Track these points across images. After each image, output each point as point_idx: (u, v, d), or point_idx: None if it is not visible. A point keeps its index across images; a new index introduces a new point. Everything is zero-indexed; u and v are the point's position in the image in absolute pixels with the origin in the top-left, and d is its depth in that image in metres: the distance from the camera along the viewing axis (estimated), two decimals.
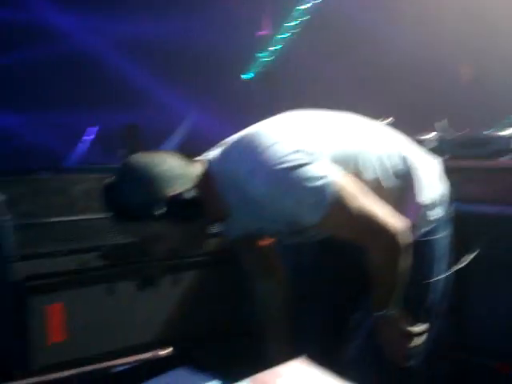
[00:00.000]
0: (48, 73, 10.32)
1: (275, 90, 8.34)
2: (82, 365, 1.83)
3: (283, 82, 8.29)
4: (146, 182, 1.45)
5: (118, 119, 8.30)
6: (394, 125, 2.10)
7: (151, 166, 1.47)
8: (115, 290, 2.60)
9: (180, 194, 1.46)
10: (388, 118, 2.39)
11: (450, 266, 1.84)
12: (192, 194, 1.48)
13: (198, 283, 2.86)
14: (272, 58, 9.46)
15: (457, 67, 6.17)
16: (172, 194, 1.45)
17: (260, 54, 9.57)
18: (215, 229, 1.65)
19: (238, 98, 8.07)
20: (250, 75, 9.64)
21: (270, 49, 9.44)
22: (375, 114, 1.89)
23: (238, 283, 2.93)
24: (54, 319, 2.49)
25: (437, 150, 2.49)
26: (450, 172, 1.87)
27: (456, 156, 2.46)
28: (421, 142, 2.34)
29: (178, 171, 1.49)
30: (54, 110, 10.11)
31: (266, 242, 1.86)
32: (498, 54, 6.04)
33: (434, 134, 2.62)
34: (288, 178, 1.44)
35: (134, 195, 1.45)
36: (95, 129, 10.73)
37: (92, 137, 10.79)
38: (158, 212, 1.44)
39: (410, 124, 2.13)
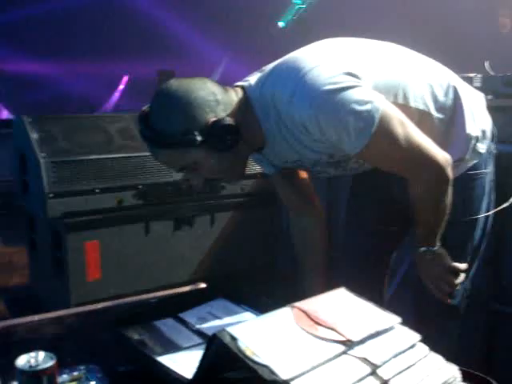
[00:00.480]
0: (82, 22, 10.30)
1: (309, 38, 8.18)
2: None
3: (316, 29, 8.11)
4: (186, 106, 1.39)
5: (152, 67, 8.25)
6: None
7: (191, 91, 1.40)
8: (150, 229, 2.62)
9: (220, 120, 1.40)
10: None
11: (492, 207, 1.79)
12: (232, 120, 1.42)
13: (232, 224, 2.86)
14: (306, 5, 9.24)
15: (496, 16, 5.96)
16: (212, 119, 1.40)
17: (295, 1, 9.36)
18: (253, 170, 1.63)
19: (272, 46, 7.93)
20: (285, 22, 9.46)
21: None
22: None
23: (270, 225, 2.94)
24: (91, 256, 2.53)
25: (482, 89, 2.40)
26: (494, 111, 1.80)
27: (504, 95, 2.37)
28: (466, 80, 2.26)
29: (218, 96, 1.43)
30: (90, 59, 10.14)
31: (303, 176, 1.83)
32: None
33: (477, 74, 2.53)
34: (334, 100, 1.35)
35: (173, 121, 1.39)
36: (129, 77, 10.73)
37: (125, 85, 10.81)
38: (197, 138, 1.38)
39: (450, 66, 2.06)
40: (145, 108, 1.45)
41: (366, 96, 1.37)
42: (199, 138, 1.38)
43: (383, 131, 1.37)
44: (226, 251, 2.82)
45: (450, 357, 1.84)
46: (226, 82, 1.54)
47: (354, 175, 1.84)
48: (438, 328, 1.87)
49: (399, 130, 1.39)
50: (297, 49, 1.59)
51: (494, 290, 2.53)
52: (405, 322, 1.72)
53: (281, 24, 9.63)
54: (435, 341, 1.82)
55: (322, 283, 1.84)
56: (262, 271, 3.00)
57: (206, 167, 1.46)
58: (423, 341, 1.13)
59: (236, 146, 1.44)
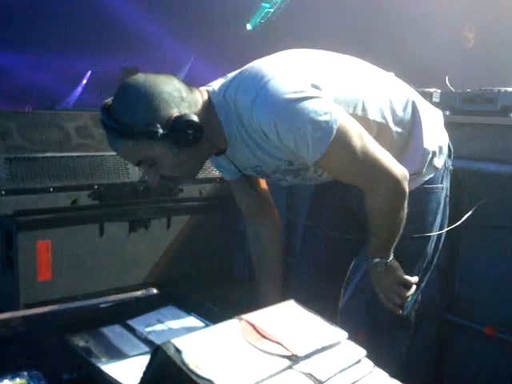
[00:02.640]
0: (47, 14, 10.12)
1: (275, 42, 8.22)
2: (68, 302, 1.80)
3: (283, 33, 8.16)
4: (150, 98, 1.37)
5: (117, 63, 8.16)
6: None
7: (157, 84, 1.40)
8: (105, 231, 2.57)
9: (183, 116, 1.40)
10: (389, 71, 2.33)
11: (446, 222, 1.82)
12: (195, 118, 1.41)
13: (188, 228, 2.84)
14: (275, 9, 9.28)
15: (460, 29, 6.09)
16: (176, 114, 1.39)
17: (264, 4, 9.38)
18: (212, 174, 1.62)
19: (239, 47, 7.93)
20: (253, 25, 9.48)
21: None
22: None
23: (228, 230, 2.93)
24: (43, 256, 2.47)
25: (440, 104, 2.44)
26: (452, 127, 1.83)
27: (461, 111, 2.42)
28: (424, 95, 2.29)
29: (183, 94, 1.43)
30: (53, 52, 9.97)
31: (262, 185, 1.83)
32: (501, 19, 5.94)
33: (435, 89, 2.57)
34: (293, 109, 1.37)
35: (136, 111, 1.37)
36: (92, 72, 10.59)
37: (88, 80, 10.67)
38: (159, 131, 1.37)
39: (409, 80, 2.08)
40: (108, 100, 1.43)
41: (326, 107, 1.38)
42: (161, 131, 1.37)
43: (340, 142, 1.38)
44: (181, 255, 2.80)
45: (398, 367, 1.88)
46: (191, 83, 1.53)
47: (316, 184, 1.84)
48: (389, 338, 1.90)
49: (356, 142, 1.40)
50: (264, 51, 1.60)
51: (447, 301, 2.57)
52: (358, 330, 1.74)
53: (249, 26, 9.65)
54: (386, 350, 1.86)
55: (276, 292, 1.84)
56: (219, 276, 2.99)
57: (164, 163, 1.45)
58: (372, 353, 1.13)
59: (197, 143, 1.43)
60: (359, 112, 1.52)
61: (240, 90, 1.45)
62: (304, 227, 2.01)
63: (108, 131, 1.42)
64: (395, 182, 1.44)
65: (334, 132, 1.37)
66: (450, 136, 1.78)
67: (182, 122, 1.39)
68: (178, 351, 0.96)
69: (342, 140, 1.38)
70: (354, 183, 1.53)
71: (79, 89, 11.40)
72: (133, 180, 2.60)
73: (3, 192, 2.41)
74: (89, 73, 11.36)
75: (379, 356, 1.18)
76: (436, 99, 2.49)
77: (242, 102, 1.43)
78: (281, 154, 1.49)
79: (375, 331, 1.89)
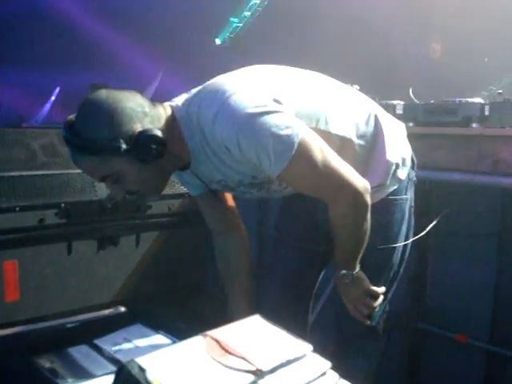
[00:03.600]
0: (14, 30, 10.03)
1: (243, 57, 8.27)
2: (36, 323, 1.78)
3: (252, 47, 8.22)
4: (113, 114, 1.37)
5: (85, 79, 8.10)
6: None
7: (119, 100, 1.40)
8: (73, 249, 2.54)
9: (146, 131, 1.40)
10: (353, 84, 2.36)
11: (412, 232, 1.84)
12: (158, 133, 1.42)
13: (158, 245, 2.82)
14: (243, 24, 9.35)
15: (421, 42, 6.20)
16: (139, 129, 1.40)
17: (232, 19, 9.44)
18: (180, 189, 1.61)
19: (208, 62, 7.96)
20: (222, 39, 9.53)
21: (243, 14, 9.32)
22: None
23: (199, 245, 2.92)
24: (10, 277, 2.43)
25: (404, 116, 2.48)
26: (415, 138, 1.86)
27: (424, 123, 2.46)
28: (388, 107, 2.33)
29: (146, 109, 1.44)
30: (20, 69, 9.87)
31: (229, 200, 1.83)
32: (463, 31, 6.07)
33: (399, 101, 2.61)
34: (255, 123, 1.38)
35: (98, 127, 1.38)
36: (59, 89, 10.50)
37: (56, 97, 10.58)
38: (122, 146, 1.37)
39: (373, 92, 2.12)
40: (71, 116, 1.44)
41: (287, 121, 1.40)
42: (124, 146, 1.38)
43: (302, 156, 1.40)
44: (152, 271, 2.77)
45: (367, 378, 1.90)
46: (161, 98, 1.54)
47: (284, 197, 1.85)
48: (357, 348, 1.91)
49: (318, 155, 1.42)
50: (232, 65, 1.61)
51: (418, 310, 2.60)
52: (327, 340, 1.75)
53: (218, 41, 9.70)
54: (353, 361, 1.87)
55: (246, 306, 1.83)
56: (191, 291, 2.97)
57: (128, 178, 1.45)
58: (340, 363, 1.14)
59: (160, 158, 1.43)
60: (322, 126, 1.54)
61: (202, 105, 1.47)
62: (273, 239, 2.02)
63: (71, 148, 1.42)
64: (356, 194, 1.46)
65: (296, 146, 1.38)
66: (413, 147, 1.81)
67: (145, 137, 1.40)
68: (142, 370, 0.96)
69: (303, 154, 1.40)
70: (316, 196, 1.55)
71: (47, 105, 11.30)
72: (100, 197, 2.57)
73: None
74: (57, 89, 11.27)
75: (347, 368, 1.19)
76: (399, 111, 2.53)
77: (204, 117, 1.45)
78: (243, 168, 1.51)
79: (344, 343, 1.91)
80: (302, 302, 1.97)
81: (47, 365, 1.34)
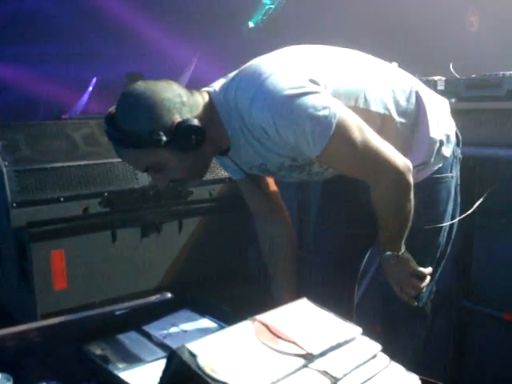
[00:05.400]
0: (49, 24, 10.14)
1: (278, 38, 8.19)
2: (85, 310, 1.81)
3: (285, 29, 8.14)
4: (152, 107, 1.38)
5: (121, 69, 8.17)
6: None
7: (157, 92, 1.41)
8: (117, 237, 2.58)
9: (185, 121, 1.41)
10: (391, 62, 2.31)
11: (458, 210, 1.81)
12: (197, 121, 1.42)
13: (200, 230, 2.84)
14: (275, 6, 9.25)
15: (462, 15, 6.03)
16: (178, 120, 1.41)
17: (264, 1, 9.35)
18: (221, 174, 1.62)
19: (242, 46, 7.92)
20: (255, 22, 9.45)
21: None
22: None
23: (239, 230, 2.93)
24: (57, 266, 2.49)
25: (445, 92, 2.42)
26: (458, 114, 1.82)
27: (466, 98, 2.40)
28: (429, 83, 2.28)
29: (183, 98, 1.44)
30: (57, 61, 10.00)
31: (270, 183, 1.82)
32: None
33: (440, 77, 2.55)
34: (292, 105, 1.37)
35: (139, 121, 1.39)
36: (96, 79, 10.61)
37: (93, 87, 10.70)
38: (163, 138, 1.38)
39: (414, 69, 2.07)
40: (111, 109, 1.46)
41: (324, 102, 1.39)
42: (164, 138, 1.39)
43: (341, 136, 1.39)
44: (194, 257, 2.80)
45: (416, 359, 1.87)
46: (196, 84, 1.55)
47: (324, 180, 1.84)
48: (405, 330, 1.89)
49: (357, 135, 1.40)
50: (266, 48, 1.61)
51: (463, 288, 2.56)
52: (374, 323, 1.74)
53: (251, 24, 9.63)
54: (402, 343, 1.85)
55: (291, 289, 1.83)
56: (233, 276, 2.99)
57: (171, 168, 1.47)
58: (388, 346, 1.13)
59: (201, 146, 1.44)
60: (361, 104, 1.51)
61: (239, 89, 1.46)
62: (315, 225, 2.00)
63: (113, 141, 1.44)
64: (398, 173, 1.44)
65: (334, 126, 1.37)
66: (457, 123, 1.76)
67: (184, 128, 1.41)
68: (193, 355, 0.96)
69: (341, 134, 1.38)
70: (357, 177, 1.53)
71: (85, 96, 11.45)
72: (142, 185, 2.61)
73: (14, 204, 2.43)
74: (94, 80, 11.40)
75: (395, 349, 1.17)
76: (441, 87, 2.47)
77: (243, 101, 1.44)
78: (283, 151, 1.50)
79: (391, 324, 1.89)
80: (347, 286, 1.96)
81: (98, 352, 1.36)
